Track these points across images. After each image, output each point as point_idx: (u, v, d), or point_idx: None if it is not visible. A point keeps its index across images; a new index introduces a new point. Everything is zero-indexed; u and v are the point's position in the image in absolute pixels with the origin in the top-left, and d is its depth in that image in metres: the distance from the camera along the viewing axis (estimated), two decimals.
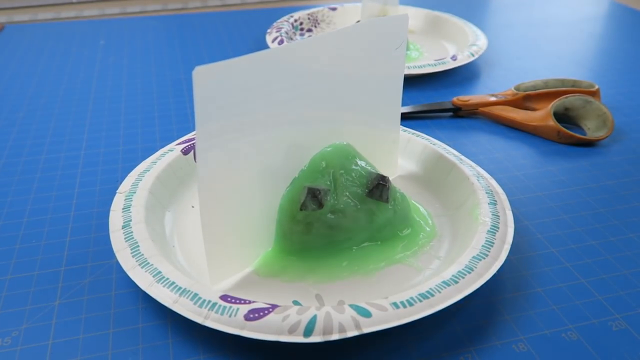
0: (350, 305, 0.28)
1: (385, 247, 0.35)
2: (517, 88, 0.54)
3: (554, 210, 0.40)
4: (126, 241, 0.32)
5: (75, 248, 0.36)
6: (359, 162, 0.34)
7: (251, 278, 0.33)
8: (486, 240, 0.32)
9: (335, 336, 0.27)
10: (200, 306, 0.28)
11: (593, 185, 0.42)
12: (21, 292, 0.32)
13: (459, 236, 0.35)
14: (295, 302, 0.31)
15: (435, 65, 0.59)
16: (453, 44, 0.70)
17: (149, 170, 0.38)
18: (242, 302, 0.28)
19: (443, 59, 0.60)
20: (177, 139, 0.48)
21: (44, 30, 0.75)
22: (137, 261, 0.31)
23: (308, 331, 0.27)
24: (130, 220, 0.34)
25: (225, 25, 0.78)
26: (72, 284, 0.33)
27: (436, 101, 0.56)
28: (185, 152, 0.41)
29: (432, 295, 0.28)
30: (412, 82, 0.59)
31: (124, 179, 0.41)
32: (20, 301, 0.32)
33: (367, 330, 0.27)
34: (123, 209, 0.35)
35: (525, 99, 0.53)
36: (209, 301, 0.28)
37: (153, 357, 0.28)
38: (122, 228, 0.33)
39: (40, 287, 0.33)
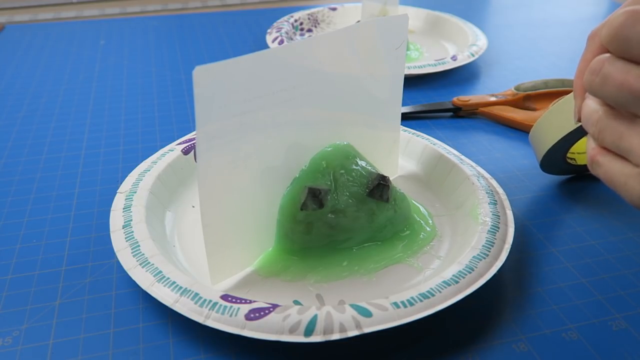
0: (351, 305, 0.28)
1: (386, 246, 0.35)
2: (517, 88, 0.54)
3: (554, 210, 0.40)
4: (127, 241, 0.32)
5: (75, 248, 0.36)
6: (360, 162, 0.34)
7: (252, 278, 0.33)
8: (486, 240, 0.32)
9: (335, 336, 0.27)
10: (201, 306, 0.28)
11: (593, 185, 0.42)
12: (22, 292, 0.32)
13: (459, 236, 0.35)
14: (296, 302, 0.31)
15: (435, 65, 0.59)
16: (453, 44, 0.70)
17: (149, 170, 0.38)
18: (243, 301, 0.28)
19: (443, 59, 0.60)
20: (177, 138, 0.48)
21: (44, 30, 0.75)
22: (137, 261, 0.31)
23: (309, 331, 0.27)
24: (131, 220, 0.34)
25: (225, 25, 0.78)
26: (73, 284, 0.33)
27: (436, 101, 0.56)
28: (185, 152, 0.41)
29: (433, 295, 0.28)
30: (412, 82, 0.59)
31: (124, 178, 0.41)
32: (20, 301, 0.32)
33: (367, 330, 0.27)
34: (123, 208, 0.35)
35: (525, 99, 0.53)
36: (210, 301, 0.28)
37: (154, 357, 0.28)
38: (123, 228, 0.33)
39: (41, 287, 0.33)
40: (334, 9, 0.75)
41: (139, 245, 0.32)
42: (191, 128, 0.50)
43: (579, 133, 0.36)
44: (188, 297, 0.28)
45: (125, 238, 0.32)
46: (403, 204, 0.35)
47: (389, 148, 0.41)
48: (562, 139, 0.37)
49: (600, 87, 0.25)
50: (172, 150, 0.41)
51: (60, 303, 0.32)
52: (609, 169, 0.26)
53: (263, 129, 0.31)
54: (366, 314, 0.27)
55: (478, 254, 0.31)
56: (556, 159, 0.40)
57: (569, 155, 0.41)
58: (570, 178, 0.43)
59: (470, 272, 0.30)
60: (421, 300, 0.28)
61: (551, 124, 0.38)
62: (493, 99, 0.53)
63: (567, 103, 0.36)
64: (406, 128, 0.44)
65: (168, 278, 0.30)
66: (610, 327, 0.30)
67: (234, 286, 0.32)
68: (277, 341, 0.27)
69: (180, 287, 0.29)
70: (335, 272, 0.33)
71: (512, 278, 0.34)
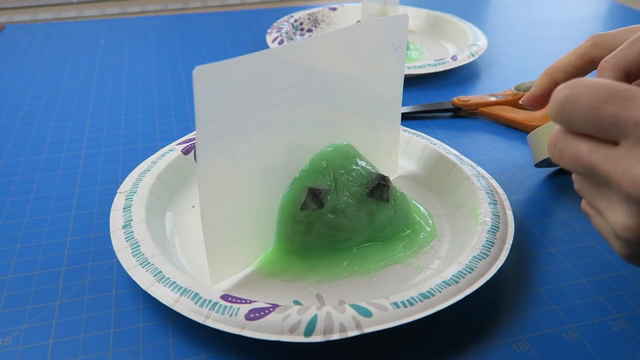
0: (351, 305, 0.28)
1: (386, 246, 0.35)
2: (517, 88, 0.54)
3: (554, 210, 0.40)
4: (127, 241, 0.32)
5: (75, 248, 0.36)
6: (359, 162, 0.34)
7: (252, 278, 0.33)
8: (486, 240, 0.32)
9: (335, 336, 0.27)
10: (201, 306, 0.28)
11: None
12: (22, 292, 0.32)
13: (459, 236, 0.35)
14: (296, 302, 0.31)
15: (435, 65, 0.59)
16: (453, 44, 0.70)
17: (149, 170, 0.38)
18: (243, 301, 0.28)
19: (443, 59, 0.60)
20: (177, 138, 0.48)
21: (44, 30, 0.75)
22: (137, 261, 0.31)
23: (309, 331, 0.27)
24: (131, 220, 0.34)
25: (225, 25, 0.78)
26: (73, 284, 0.33)
27: (436, 101, 0.56)
28: (185, 152, 0.41)
29: (433, 295, 0.28)
30: (412, 82, 0.59)
31: (124, 178, 0.41)
32: (21, 301, 0.32)
33: (367, 330, 0.27)
34: (123, 208, 0.35)
35: None
36: (210, 301, 0.28)
37: (154, 357, 0.28)
38: (123, 228, 0.33)
39: (41, 287, 0.33)
40: (334, 9, 0.75)
41: (139, 245, 0.32)
42: (191, 128, 0.50)
43: None
44: (188, 297, 0.28)
45: (125, 238, 0.32)
46: (403, 204, 0.35)
47: (389, 148, 0.41)
48: None
49: (559, 159, 0.25)
50: (172, 150, 0.41)
51: (60, 303, 0.32)
52: (596, 222, 0.27)
53: (263, 129, 0.31)
54: (366, 314, 0.27)
55: (478, 254, 0.31)
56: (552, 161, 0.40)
57: None
58: (569, 177, 0.43)
59: (470, 272, 0.30)
60: (421, 300, 0.28)
61: (546, 139, 0.38)
62: (493, 99, 0.53)
63: None
64: (406, 128, 0.44)
65: (168, 278, 0.30)
66: (610, 327, 0.30)
67: (234, 286, 0.32)
68: (277, 341, 0.27)
69: (180, 287, 0.29)
70: (335, 272, 0.33)
71: (512, 278, 0.34)
